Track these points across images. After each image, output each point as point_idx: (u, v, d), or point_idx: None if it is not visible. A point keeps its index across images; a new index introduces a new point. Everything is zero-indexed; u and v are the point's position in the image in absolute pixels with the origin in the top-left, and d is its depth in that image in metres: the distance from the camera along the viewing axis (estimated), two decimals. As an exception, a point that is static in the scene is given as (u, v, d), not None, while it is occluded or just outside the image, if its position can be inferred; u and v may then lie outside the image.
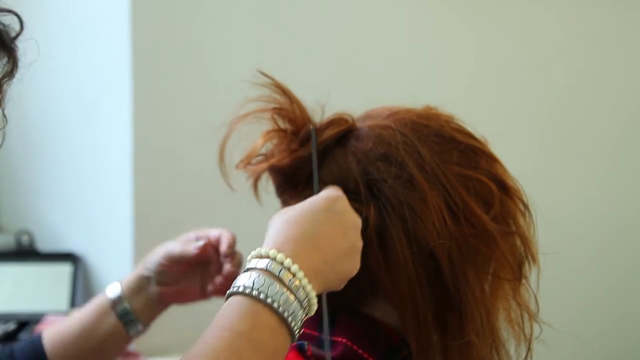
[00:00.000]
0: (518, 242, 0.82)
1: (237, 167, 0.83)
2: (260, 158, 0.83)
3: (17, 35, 0.61)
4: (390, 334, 0.79)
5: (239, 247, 1.73)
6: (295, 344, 0.76)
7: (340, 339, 0.77)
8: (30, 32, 2.04)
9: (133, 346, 1.67)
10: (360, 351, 0.76)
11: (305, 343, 0.77)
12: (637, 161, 2.18)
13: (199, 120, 1.63)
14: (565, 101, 2.11)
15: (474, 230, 0.78)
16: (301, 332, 0.67)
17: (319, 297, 0.68)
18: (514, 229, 0.82)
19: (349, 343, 0.77)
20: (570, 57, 2.12)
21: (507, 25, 2.04)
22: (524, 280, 0.82)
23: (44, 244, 1.92)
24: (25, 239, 1.91)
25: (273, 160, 0.81)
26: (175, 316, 1.72)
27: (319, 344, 0.78)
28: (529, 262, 0.82)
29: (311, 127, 0.81)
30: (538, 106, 2.06)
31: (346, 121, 0.82)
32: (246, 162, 0.82)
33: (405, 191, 0.76)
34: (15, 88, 2.12)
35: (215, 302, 1.72)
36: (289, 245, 0.67)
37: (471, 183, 0.79)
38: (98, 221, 1.80)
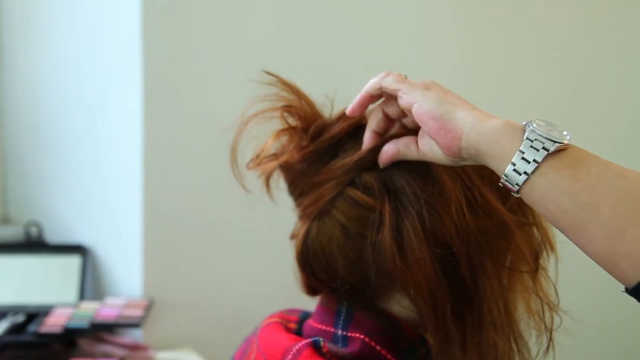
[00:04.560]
0: (535, 232, 0.80)
1: (247, 167, 0.81)
2: (270, 157, 0.81)
3: None
4: (409, 330, 0.77)
5: (249, 240, 1.73)
6: (310, 340, 0.75)
7: (357, 335, 0.76)
8: (39, 26, 2.05)
9: (142, 340, 1.66)
10: (378, 347, 0.75)
11: (321, 339, 0.75)
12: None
13: (208, 114, 1.63)
14: (582, 91, 2.09)
15: (490, 223, 0.76)
16: None
17: None
18: (531, 218, 0.80)
19: (366, 339, 0.75)
20: (581, 51, 2.11)
21: (515, 22, 2.04)
22: (542, 271, 0.80)
23: (52, 236, 1.91)
24: (34, 230, 1.90)
25: (283, 158, 0.79)
26: (183, 310, 1.73)
27: (335, 340, 0.76)
28: (547, 251, 0.80)
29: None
30: (552, 97, 2.05)
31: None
32: (257, 162, 0.80)
33: (423, 185, 0.74)
34: (25, 79, 2.14)
35: (218, 300, 1.72)
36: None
37: (486, 172, 0.77)
38: (107, 213, 1.79)
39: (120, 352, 1.58)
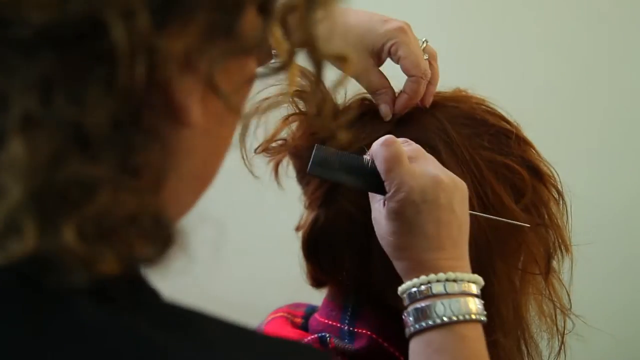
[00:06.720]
0: (551, 234, 0.78)
1: (255, 152, 0.80)
2: (279, 142, 0.79)
3: None
4: (417, 326, 0.76)
5: (255, 230, 1.71)
6: (317, 336, 0.74)
7: (363, 331, 0.74)
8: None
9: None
10: (385, 344, 0.74)
11: (327, 335, 0.74)
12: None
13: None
14: (602, 82, 2.05)
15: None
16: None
17: None
18: (546, 217, 0.79)
19: (373, 335, 0.74)
20: (603, 36, 2.07)
21: (534, 4, 2.01)
22: (555, 273, 0.79)
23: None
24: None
25: (293, 144, 0.78)
26: (183, 303, 1.70)
27: (341, 335, 0.75)
28: (561, 252, 0.79)
29: None
30: (574, 88, 2.01)
31: (370, 101, 0.79)
32: (265, 146, 0.79)
33: None
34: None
35: (219, 294, 1.70)
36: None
37: (501, 170, 0.76)
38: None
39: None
